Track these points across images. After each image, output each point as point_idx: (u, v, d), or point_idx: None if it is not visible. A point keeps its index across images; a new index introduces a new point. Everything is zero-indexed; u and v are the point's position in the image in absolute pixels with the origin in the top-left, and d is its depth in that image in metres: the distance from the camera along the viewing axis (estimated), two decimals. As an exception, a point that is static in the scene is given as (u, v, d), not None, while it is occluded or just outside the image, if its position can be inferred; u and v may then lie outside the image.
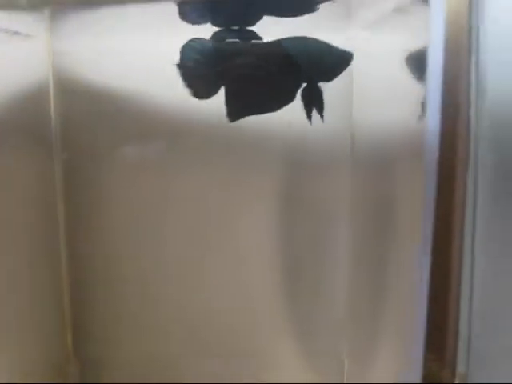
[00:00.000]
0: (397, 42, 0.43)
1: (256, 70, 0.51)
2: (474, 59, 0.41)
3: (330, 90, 0.51)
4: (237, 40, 0.51)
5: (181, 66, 0.51)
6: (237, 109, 0.52)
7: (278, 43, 0.50)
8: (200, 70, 0.51)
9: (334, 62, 0.51)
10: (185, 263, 0.56)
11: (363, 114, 0.52)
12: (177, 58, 0.51)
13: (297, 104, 0.51)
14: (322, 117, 0.51)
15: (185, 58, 0.51)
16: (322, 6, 0.49)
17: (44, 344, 0.55)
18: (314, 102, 0.51)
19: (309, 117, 0.51)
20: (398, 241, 0.43)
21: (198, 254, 0.56)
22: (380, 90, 0.47)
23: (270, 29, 0.50)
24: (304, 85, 0.51)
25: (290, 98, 0.51)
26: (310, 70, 0.51)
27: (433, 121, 0.34)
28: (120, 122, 0.55)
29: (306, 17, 0.49)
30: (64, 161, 0.56)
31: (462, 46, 0.41)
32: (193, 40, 0.51)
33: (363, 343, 0.51)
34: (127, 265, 0.57)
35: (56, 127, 0.56)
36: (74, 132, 0.56)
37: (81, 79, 0.55)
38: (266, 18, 0.50)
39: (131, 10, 0.50)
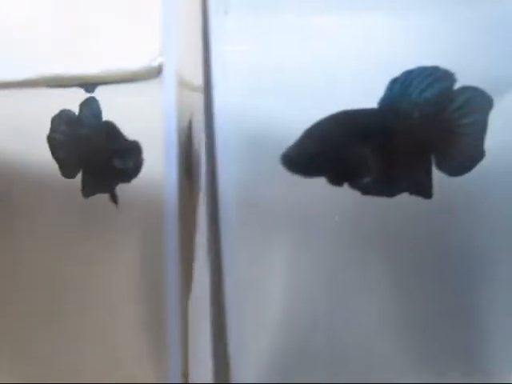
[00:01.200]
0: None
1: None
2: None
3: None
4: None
5: (50, 138, 0.51)
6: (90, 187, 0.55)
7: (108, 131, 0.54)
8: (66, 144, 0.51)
9: (124, 160, 0.49)
10: (49, 313, 0.61)
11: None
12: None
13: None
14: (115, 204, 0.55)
15: (54, 129, 0.51)
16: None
17: None
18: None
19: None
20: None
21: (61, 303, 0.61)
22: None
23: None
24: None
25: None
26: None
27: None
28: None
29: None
30: None
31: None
32: (63, 110, 0.50)
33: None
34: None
35: None
36: None
37: None
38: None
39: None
